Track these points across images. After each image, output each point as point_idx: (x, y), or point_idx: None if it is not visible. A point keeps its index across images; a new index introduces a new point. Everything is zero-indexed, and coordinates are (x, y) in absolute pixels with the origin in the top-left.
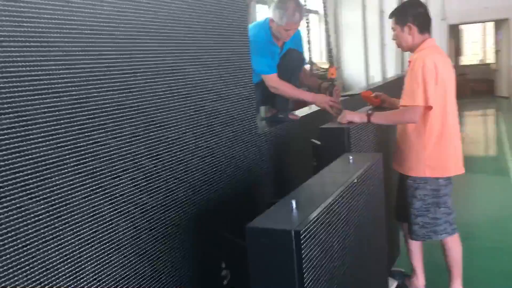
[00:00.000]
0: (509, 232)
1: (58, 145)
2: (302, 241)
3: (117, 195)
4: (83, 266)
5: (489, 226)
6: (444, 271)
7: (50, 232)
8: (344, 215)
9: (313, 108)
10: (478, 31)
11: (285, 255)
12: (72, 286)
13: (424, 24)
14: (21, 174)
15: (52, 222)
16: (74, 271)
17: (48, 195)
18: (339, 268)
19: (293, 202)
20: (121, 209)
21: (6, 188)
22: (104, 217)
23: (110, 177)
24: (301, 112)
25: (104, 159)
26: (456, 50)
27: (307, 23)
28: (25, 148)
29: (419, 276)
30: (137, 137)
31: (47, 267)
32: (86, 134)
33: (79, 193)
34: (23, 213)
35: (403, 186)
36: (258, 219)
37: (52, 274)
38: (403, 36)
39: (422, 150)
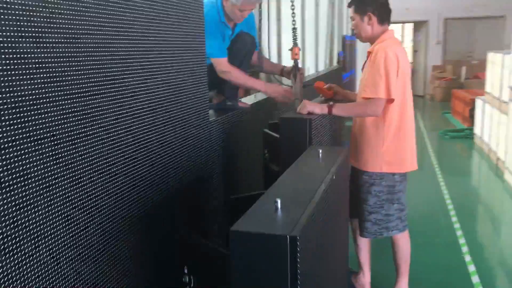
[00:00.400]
0: (441, 228)
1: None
2: (298, 247)
3: (57, 195)
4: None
5: (422, 221)
6: (391, 268)
7: None
8: (327, 214)
9: (259, 96)
10: (397, 31)
11: (278, 263)
12: None
13: (384, 14)
14: None
15: None
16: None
17: None
18: (325, 270)
19: (279, 202)
20: (60, 209)
21: None
22: (41, 217)
23: (48, 177)
24: (249, 100)
25: (45, 157)
26: None
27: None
28: None
29: (365, 273)
30: (82, 133)
31: None
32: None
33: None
34: None
35: (357, 182)
36: (242, 222)
37: None
38: (363, 26)
39: (380, 145)
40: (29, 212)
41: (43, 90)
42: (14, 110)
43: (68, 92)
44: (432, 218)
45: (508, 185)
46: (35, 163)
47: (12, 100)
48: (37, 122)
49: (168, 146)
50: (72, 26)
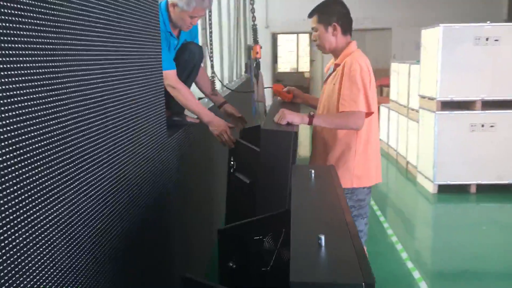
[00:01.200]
0: (376, 235)
1: None
2: None
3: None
4: None
5: None
6: None
7: None
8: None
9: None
10: (293, 41)
11: None
12: None
13: (347, 25)
14: None
15: None
16: None
17: None
18: None
19: (323, 239)
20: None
21: None
22: None
23: None
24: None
25: None
26: (273, 57)
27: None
28: None
29: None
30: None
31: None
32: None
33: None
34: None
35: None
36: (299, 270)
37: None
38: (327, 37)
39: (352, 159)
40: None
41: None
42: None
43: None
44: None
45: (423, 188)
46: None
47: None
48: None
49: (124, 166)
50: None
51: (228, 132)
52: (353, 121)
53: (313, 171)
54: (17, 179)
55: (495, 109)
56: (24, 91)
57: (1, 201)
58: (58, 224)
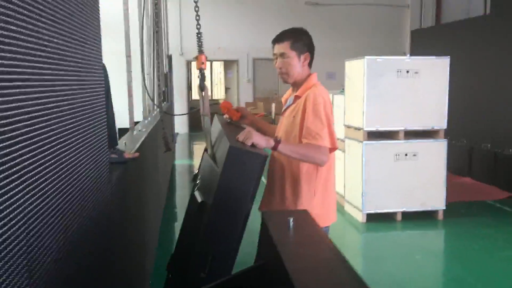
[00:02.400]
0: None
1: None
2: None
3: None
4: None
5: None
6: None
7: None
8: None
9: (135, 140)
10: (207, 69)
11: None
12: None
13: (312, 58)
14: None
15: None
16: None
17: None
18: None
19: None
20: None
21: None
22: None
23: None
24: (130, 149)
25: None
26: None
27: None
28: None
29: None
30: None
31: None
32: None
33: None
34: None
35: None
36: None
37: None
38: (296, 66)
39: (312, 197)
40: None
41: None
42: None
43: None
44: None
45: (351, 217)
46: None
47: None
48: None
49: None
50: None
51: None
52: (318, 156)
53: (291, 220)
54: None
55: (417, 138)
56: None
57: None
58: None
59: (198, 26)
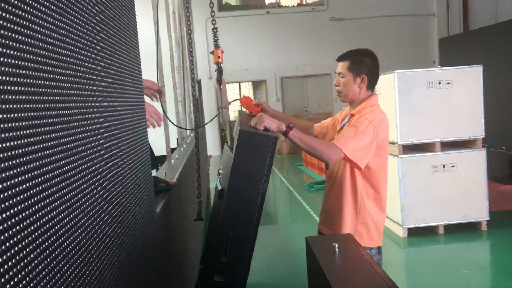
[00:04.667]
0: None
1: None
2: None
3: None
4: None
5: None
6: None
7: None
8: None
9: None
10: (235, 90)
11: None
12: None
13: (374, 80)
14: None
15: None
16: None
17: None
18: None
19: None
20: None
21: None
22: None
23: None
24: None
25: None
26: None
27: None
28: None
29: None
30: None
31: None
32: None
33: None
34: None
35: None
36: None
37: None
38: (352, 87)
39: (368, 215)
40: None
41: None
42: None
43: None
44: None
45: (391, 231)
46: None
47: None
48: None
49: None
50: None
51: (151, 112)
52: (327, 151)
53: (336, 246)
54: None
55: (454, 149)
56: None
57: None
58: None
59: (214, 22)
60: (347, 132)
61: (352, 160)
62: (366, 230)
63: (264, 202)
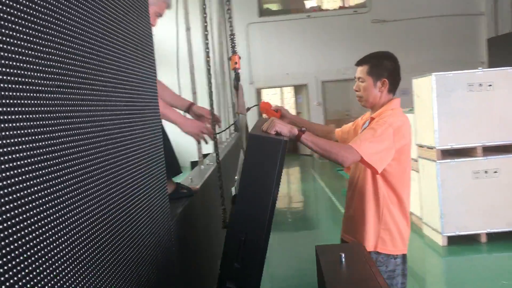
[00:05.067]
0: None
1: None
2: None
3: None
4: None
5: None
6: None
7: None
8: None
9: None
10: (277, 95)
11: None
12: None
13: (395, 83)
14: None
15: None
16: None
17: None
18: None
19: None
20: None
21: None
22: None
23: None
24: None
25: None
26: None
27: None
28: None
29: None
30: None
31: None
32: None
33: None
34: None
35: None
36: None
37: None
38: (372, 91)
39: (392, 221)
40: None
41: None
42: None
43: None
44: None
45: (431, 240)
46: None
47: None
48: None
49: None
50: None
51: (201, 130)
52: (342, 153)
53: (343, 255)
54: None
55: (496, 154)
56: None
57: None
58: None
59: (231, 28)
60: (364, 134)
61: (368, 162)
62: (389, 236)
63: (275, 207)
